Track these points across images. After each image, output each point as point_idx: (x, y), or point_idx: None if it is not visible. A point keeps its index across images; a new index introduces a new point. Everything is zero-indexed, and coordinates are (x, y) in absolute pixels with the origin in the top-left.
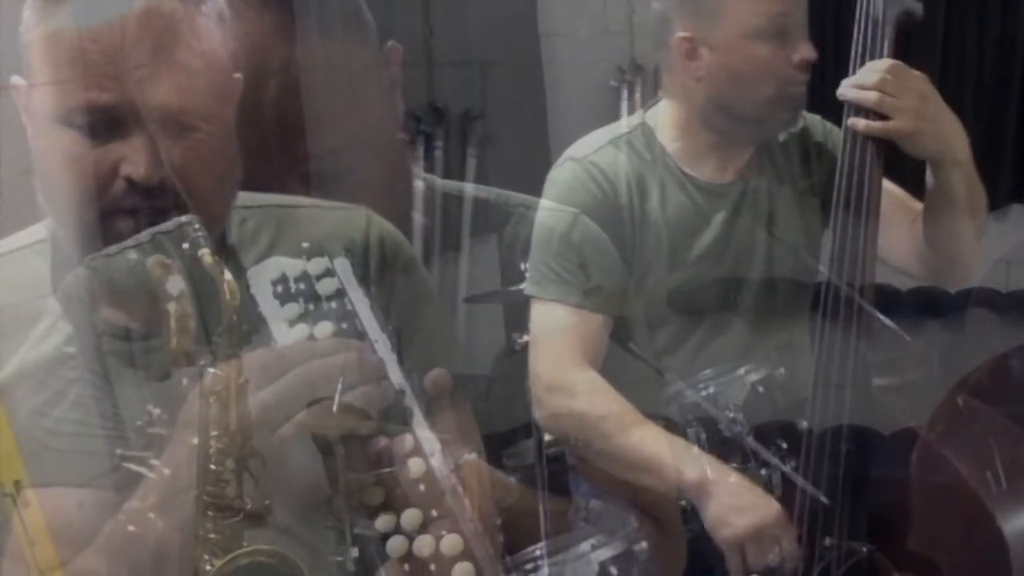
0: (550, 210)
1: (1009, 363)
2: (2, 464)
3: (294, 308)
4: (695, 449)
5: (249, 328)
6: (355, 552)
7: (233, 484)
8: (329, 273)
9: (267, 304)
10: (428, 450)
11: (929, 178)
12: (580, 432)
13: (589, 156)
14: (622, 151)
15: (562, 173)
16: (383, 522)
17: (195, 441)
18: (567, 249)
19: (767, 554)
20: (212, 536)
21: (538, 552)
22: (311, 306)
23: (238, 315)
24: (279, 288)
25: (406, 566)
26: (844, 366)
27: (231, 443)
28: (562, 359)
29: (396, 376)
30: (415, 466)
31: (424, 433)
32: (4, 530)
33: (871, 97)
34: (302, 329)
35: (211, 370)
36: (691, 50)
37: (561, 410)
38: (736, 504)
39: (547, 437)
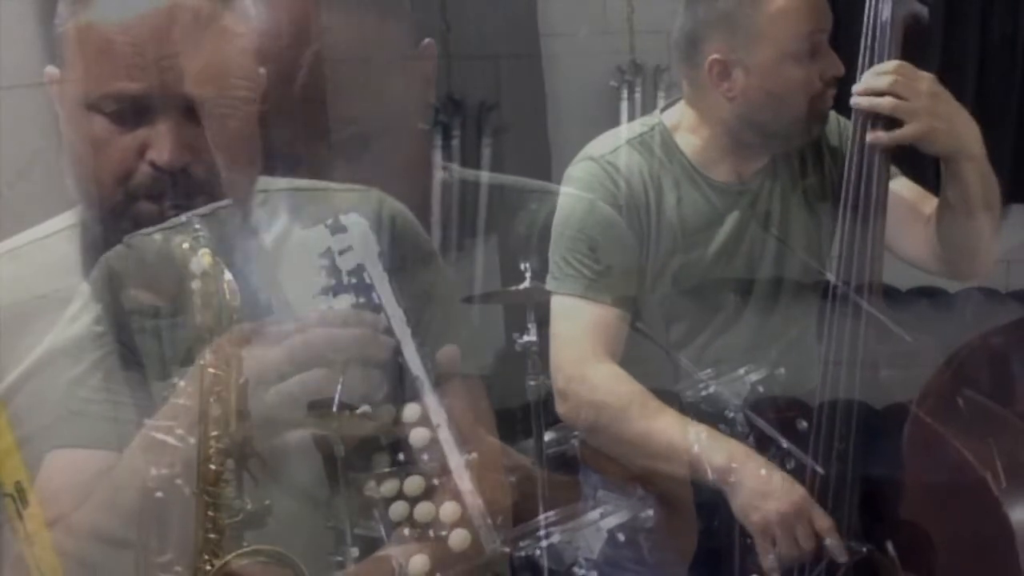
0: (565, 204)
1: (995, 340)
2: (2, 464)
3: (316, 281)
4: (720, 435)
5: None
6: (355, 552)
7: (233, 484)
8: (351, 249)
9: (290, 277)
10: (435, 421)
11: (944, 175)
12: (602, 422)
13: (606, 155)
14: (638, 151)
15: (579, 171)
16: (388, 487)
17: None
18: (579, 236)
19: (797, 538)
20: (212, 536)
21: (549, 520)
22: (332, 280)
23: (238, 315)
24: (302, 262)
25: (406, 531)
26: (852, 364)
27: (231, 443)
28: (582, 351)
29: (410, 351)
30: (420, 435)
31: (433, 405)
32: (4, 529)
33: (885, 104)
34: (322, 301)
35: (211, 370)
36: (724, 71)
37: (583, 401)
38: (764, 489)
39: (547, 436)
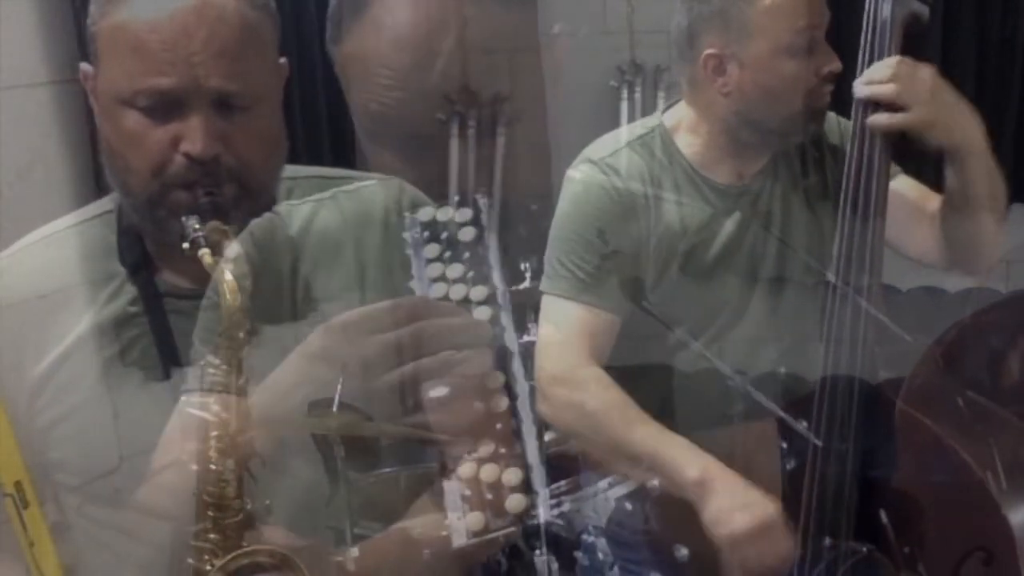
0: (562, 206)
1: (984, 320)
2: (2, 464)
3: (434, 248)
4: (696, 448)
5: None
6: (355, 552)
7: (233, 484)
8: (473, 222)
9: (414, 243)
10: (517, 393)
11: (947, 171)
12: (582, 425)
13: (606, 158)
14: (638, 153)
15: (579, 174)
16: (459, 446)
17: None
18: (574, 237)
19: (765, 554)
20: (212, 536)
21: (559, 489)
22: (448, 251)
23: (238, 315)
24: (427, 232)
25: (467, 491)
26: (851, 363)
27: (231, 443)
28: (568, 353)
29: (508, 323)
30: (500, 402)
31: (519, 376)
32: (4, 530)
33: (888, 90)
34: (436, 267)
35: (211, 370)
36: (719, 66)
37: (563, 403)
38: (735, 503)
39: (547, 437)
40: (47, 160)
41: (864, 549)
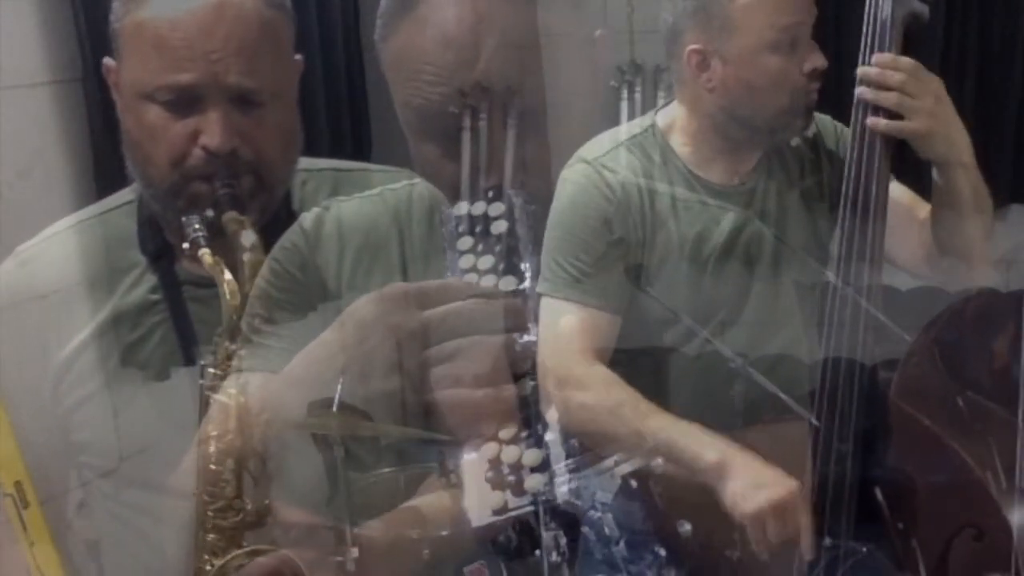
0: (557, 207)
1: (976, 304)
2: (2, 464)
3: (467, 240)
4: (711, 433)
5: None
6: (355, 552)
7: (233, 484)
8: (505, 216)
9: (449, 235)
10: (537, 374)
11: (936, 180)
12: (593, 424)
13: (600, 158)
14: (632, 153)
15: (573, 174)
16: (486, 427)
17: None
18: (570, 238)
19: (789, 528)
20: (212, 536)
21: (567, 466)
22: (481, 244)
23: (238, 315)
24: (461, 225)
25: (490, 472)
26: (851, 363)
27: (231, 443)
28: (572, 354)
29: (534, 311)
30: (525, 385)
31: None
32: (5, 529)
33: (891, 98)
34: (468, 259)
35: (211, 370)
36: (702, 62)
37: (572, 403)
38: (756, 480)
39: (548, 436)
40: (47, 160)
41: (864, 549)
